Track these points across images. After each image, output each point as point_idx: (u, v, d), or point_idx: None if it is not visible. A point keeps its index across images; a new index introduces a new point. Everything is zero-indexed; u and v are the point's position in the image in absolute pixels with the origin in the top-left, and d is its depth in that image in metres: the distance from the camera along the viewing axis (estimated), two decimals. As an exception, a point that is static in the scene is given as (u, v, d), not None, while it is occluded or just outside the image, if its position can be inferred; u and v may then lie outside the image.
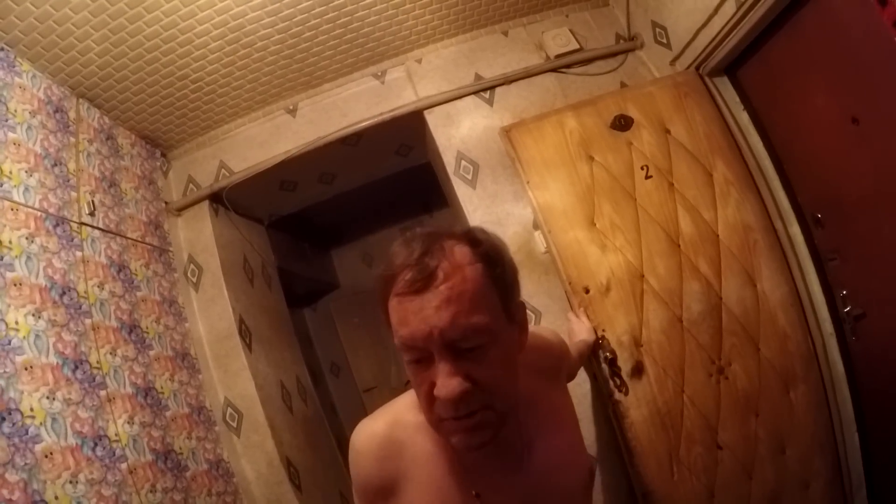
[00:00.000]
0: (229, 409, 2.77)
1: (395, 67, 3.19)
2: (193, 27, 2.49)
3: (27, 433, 1.71)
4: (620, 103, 2.71)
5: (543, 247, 2.80)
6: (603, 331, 2.43)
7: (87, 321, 2.15)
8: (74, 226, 2.27)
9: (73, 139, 2.43)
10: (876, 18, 1.84)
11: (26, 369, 1.81)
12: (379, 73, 3.19)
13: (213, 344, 2.86)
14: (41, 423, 1.77)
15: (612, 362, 2.41)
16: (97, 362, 2.12)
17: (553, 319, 2.74)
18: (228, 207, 3.29)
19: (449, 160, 3.00)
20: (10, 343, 1.80)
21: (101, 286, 2.29)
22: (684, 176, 2.62)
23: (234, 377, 2.82)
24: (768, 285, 2.52)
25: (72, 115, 2.48)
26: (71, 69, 2.44)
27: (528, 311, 1.12)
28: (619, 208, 2.59)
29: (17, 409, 1.72)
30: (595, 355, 2.39)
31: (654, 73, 3.05)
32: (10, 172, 2.05)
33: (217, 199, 3.20)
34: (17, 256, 1.95)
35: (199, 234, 3.08)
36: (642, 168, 2.63)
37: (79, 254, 2.24)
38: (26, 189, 2.10)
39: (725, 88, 2.75)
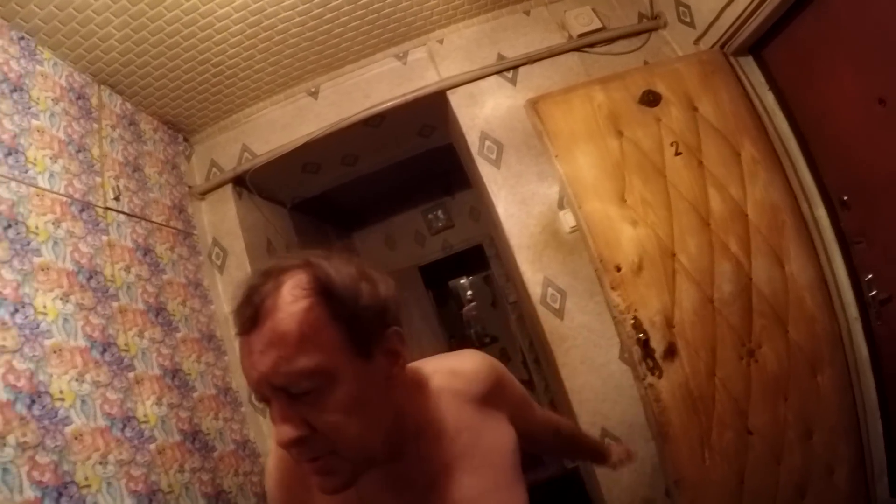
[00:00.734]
0: (255, 390, 2.75)
1: (417, 48, 3.14)
2: (214, 11, 2.45)
3: (57, 415, 1.71)
4: (648, 79, 2.64)
5: (569, 226, 2.74)
6: (635, 310, 2.37)
7: (115, 304, 2.15)
8: (100, 210, 2.26)
9: (96, 125, 2.42)
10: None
11: (55, 352, 1.81)
12: (401, 54, 3.14)
13: (238, 326, 2.84)
14: (71, 406, 1.77)
15: (646, 343, 2.35)
16: (125, 345, 2.11)
17: (578, 300, 2.68)
18: (252, 190, 3.27)
19: (473, 140, 2.95)
20: (38, 327, 1.79)
21: (127, 269, 2.29)
22: (713, 154, 2.55)
23: (259, 359, 2.79)
24: (796, 267, 2.45)
25: (94, 101, 2.46)
26: (92, 56, 2.42)
27: (404, 342, 0.89)
28: (650, 185, 2.52)
29: (47, 392, 1.72)
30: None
31: (678, 52, 2.97)
32: (35, 159, 2.04)
33: (240, 182, 3.18)
34: (43, 241, 1.95)
35: (223, 218, 3.08)
36: (672, 144, 2.56)
37: (105, 238, 2.23)
38: (51, 175, 2.09)
39: (750, 69, 2.67)
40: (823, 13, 2.15)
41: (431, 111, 3.25)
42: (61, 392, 1.76)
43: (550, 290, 2.69)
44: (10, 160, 1.94)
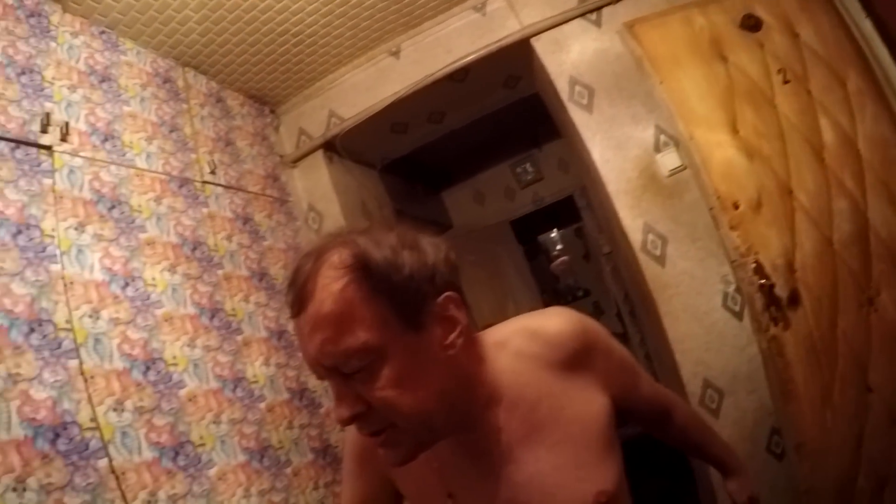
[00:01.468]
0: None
1: (495, -3, 2.97)
2: (288, -20, 2.41)
3: (171, 380, 1.77)
4: (746, 1, 2.37)
5: (667, 169, 2.51)
6: (756, 253, 2.15)
7: (220, 272, 2.20)
8: (198, 185, 2.31)
9: (184, 106, 2.45)
10: None
11: (167, 321, 1.87)
12: (479, 6, 2.97)
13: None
14: (184, 370, 1.84)
15: (770, 290, 2.13)
16: (232, 310, 2.16)
17: (679, 246, 2.47)
18: (342, 155, 3.27)
19: (562, 87, 2.75)
20: (149, 298, 1.86)
21: (229, 239, 2.34)
22: (820, 83, 2.26)
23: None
24: (911, 205, 2.13)
25: (180, 83, 2.49)
26: (173, 41, 2.44)
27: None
28: (761, 114, 2.27)
29: (161, 359, 1.78)
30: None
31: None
32: (131, 142, 2.09)
33: (330, 147, 3.17)
34: (147, 218, 2.01)
35: (316, 183, 3.09)
36: (779, 72, 2.29)
37: (205, 210, 2.28)
38: (148, 156, 2.14)
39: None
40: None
41: (516, 61, 3.09)
42: (174, 358, 1.83)
43: (651, 237, 2.50)
44: (108, 146, 1.99)
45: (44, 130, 1.78)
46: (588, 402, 0.90)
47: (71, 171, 1.83)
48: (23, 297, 1.53)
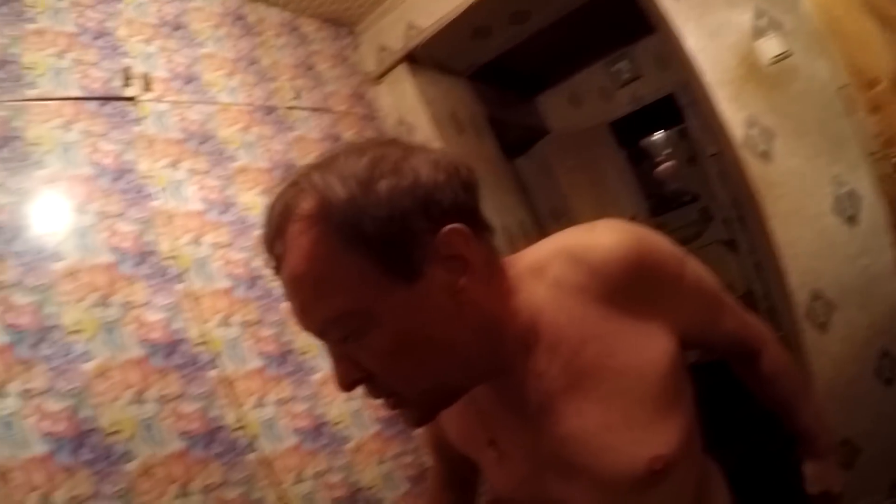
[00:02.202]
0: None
1: None
2: None
3: (273, 295, 1.82)
4: None
5: (769, 56, 2.10)
6: None
7: (313, 192, 2.18)
8: (283, 111, 2.28)
9: (259, 39, 2.40)
10: None
11: (265, 242, 1.89)
12: None
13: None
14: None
15: None
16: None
17: (787, 140, 2.09)
18: (426, 65, 3.11)
19: (647, -29, 2.39)
20: (246, 221, 1.88)
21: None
22: None
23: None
24: None
25: (252, 19, 2.43)
26: (235, -25, 2.37)
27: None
28: None
29: (263, 276, 1.82)
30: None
31: None
32: (212, 81, 2.09)
33: (413, 59, 3.01)
34: (237, 148, 2.02)
35: (402, 97, 2.97)
36: None
37: (292, 134, 2.26)
38: (231, 90, 2.13)
39: None
40: None
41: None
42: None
43: (755, 131, 2.14)
44: (190, 88, 2.01)
45: (126, 84, 1.81)
46: (646, 347, 0.68)
47: (158, 117, 1.85)
48: (129, 234, 1.60)
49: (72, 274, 1.46)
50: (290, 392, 1.72)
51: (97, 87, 1.73)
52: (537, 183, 4.80)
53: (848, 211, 2.04)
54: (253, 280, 1.78)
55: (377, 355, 0.61)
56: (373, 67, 3.01)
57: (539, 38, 3.68)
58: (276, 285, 1.76)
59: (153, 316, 1.53)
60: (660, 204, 5.63)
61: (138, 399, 1.43)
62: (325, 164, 0.61)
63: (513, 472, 0.76)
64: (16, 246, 1.40)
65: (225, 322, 1.65)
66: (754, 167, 2.17)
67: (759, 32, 2.15)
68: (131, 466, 1.36)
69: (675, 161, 5.92)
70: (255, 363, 1.67)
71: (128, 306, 1.50)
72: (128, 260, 1.55)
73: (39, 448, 1.25)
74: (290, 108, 2.31)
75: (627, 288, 0.67)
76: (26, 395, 1.28)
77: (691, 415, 0.72)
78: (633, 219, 0.65)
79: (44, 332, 1.36)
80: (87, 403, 1.36)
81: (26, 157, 1.50)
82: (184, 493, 1.42)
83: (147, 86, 1.86)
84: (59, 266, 1.44)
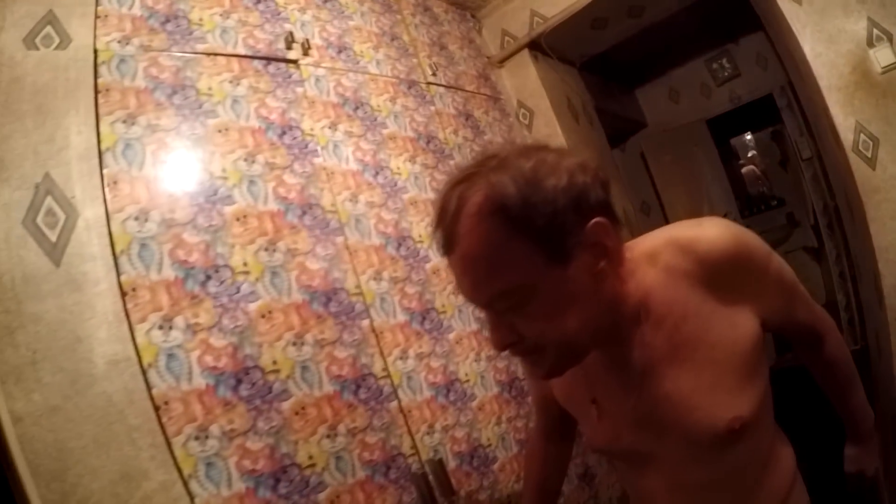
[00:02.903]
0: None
1: None
2: None
3: (419, 255, 1.83)
4: None
5: (882, 65, 2.01)
6: None
7: (451, 163, 2.18)
8: (423, 86, 2.27)
9: (398, 16, 2.39)
10: None
11: (412, 204, 1.91)
12: None
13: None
14: (429, 247, 1.88)
15: None
16: (463, 197, 2.14)
17: (891, 149, 2.02)
18: (548, 53, 3.05)
19: (769, -26, 2.27)
20: (396, 184, 1.89)
21: (455, 133, 2.30)
22: None
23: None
24: None
25: (389, -4, 2.44)
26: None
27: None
28: None
29: (410, 237, 1.83)
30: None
31: None
32: (362, 52, 2.09)
33: (535, 46, 2.97)
34: (387, 116, 2.03)
35: (524, 81, 2.92)
36: None
37: (432, 108, 2.25)
38: (378, 62, 2.13)
39: None
40: None
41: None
42: (420, 237, 1.87)
43: (862, 137, 2.05)
44: (343, 56, 2.01)
45: (289, 47, 1.83)
46: (735, 326, 0.79)
47: (317, 80, 1.86)
48: (294, 186, 1.61)
49: (241, 218, 1.47)
50: (429, 348, 1.72)
51: (261, 48, 1.75)
52: (628, 176, 4.66)
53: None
54: (401, 240, 1.78)
55: (534, 321, 0.73)
56: (495, 52, 2.97)
57: (644, 32, 3.57)
58: (421, 247, 1.79)
59: (314, 265, 1.54)
60: (746, 205, 5.36)
61: (298, 341, 1.44)
62: (498, 164, 0.71)
63: (610, 428, 0.87)
64: (188, 187, 1.42)
65: (376, 276, 1.67)
66: (860, 171, 2.11)
67: (871, 41, 2.08)
68: (286, 405, 1.37)
69: (759, 164, 5.63)
70: (401, 317, 1.68)
71: (292, 253, 1.51)
72: (293, 210, 1.57)
73: (200, 381, 1.26)
74: (429, 83, 2.30)
75: (724, 276, 0.78)
76: (193, 328, 1.29)
77: (766, 387, 0.83)
78: (726, 217, 0.73)
79: (212, 270, 1.38)
80: (250, 341, 1.37)
81: (199, 104, 1.53)
82: (332, 433, 1.42)
83: (306, 51, 1.87)
84: (229, 209, 1.46)
